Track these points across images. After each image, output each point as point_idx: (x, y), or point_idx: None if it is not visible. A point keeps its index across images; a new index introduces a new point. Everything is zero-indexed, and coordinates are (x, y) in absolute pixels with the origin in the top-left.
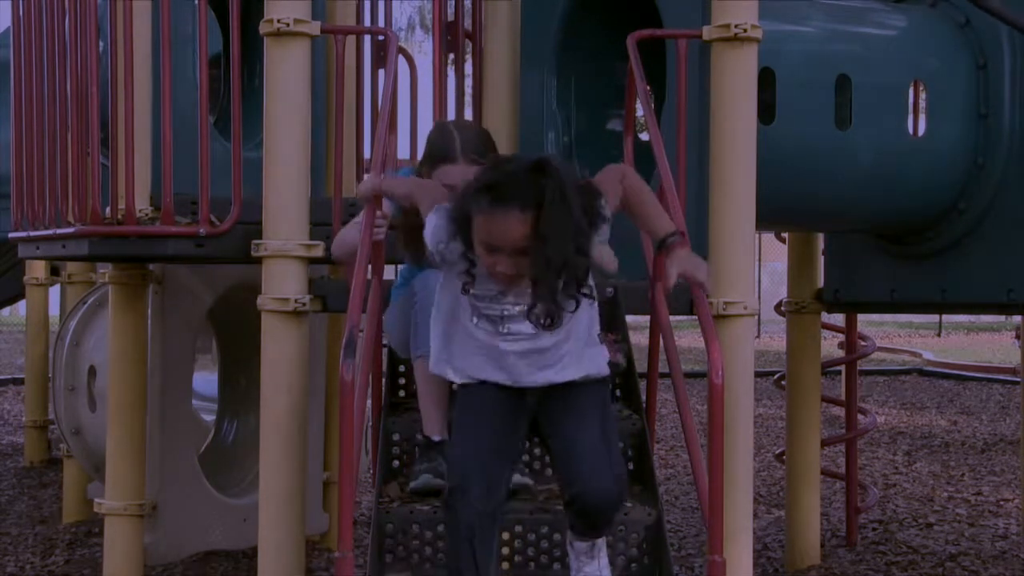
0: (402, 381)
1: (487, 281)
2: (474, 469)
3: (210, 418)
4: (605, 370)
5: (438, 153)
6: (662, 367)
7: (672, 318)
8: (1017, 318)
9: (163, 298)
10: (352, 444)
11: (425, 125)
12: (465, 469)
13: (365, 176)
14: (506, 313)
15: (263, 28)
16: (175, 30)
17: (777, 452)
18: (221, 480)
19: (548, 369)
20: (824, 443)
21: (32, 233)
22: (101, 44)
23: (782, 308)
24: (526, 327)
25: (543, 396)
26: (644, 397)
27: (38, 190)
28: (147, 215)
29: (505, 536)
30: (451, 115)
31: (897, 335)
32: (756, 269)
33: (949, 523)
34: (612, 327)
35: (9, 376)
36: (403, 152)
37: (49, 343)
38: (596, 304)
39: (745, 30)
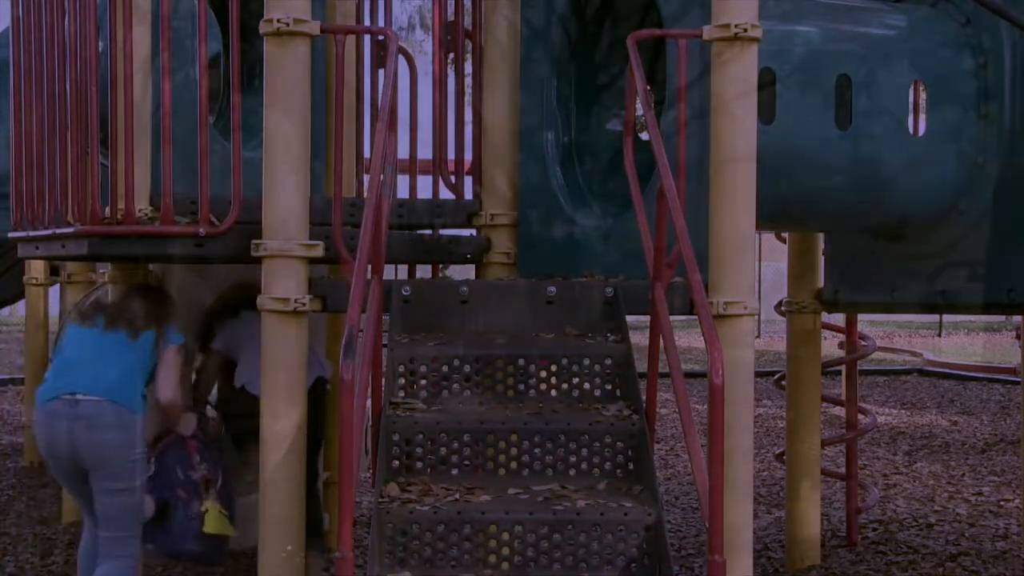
0: (401, 381)
1: None
2: None
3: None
4: None
5: None
6: (662, 367)
7: (672, 318)
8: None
9: None
10: (352, 444)
11: (425, 125)
12: None
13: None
14: None
15: (263, 28)
16: (175, 30)
17: (777, 452)
18: None
19: None
20: (824, 443)
21: (32, 233)
22: (101, 44)
23: (782, 308)
24: None
25: None
26: (644, 397)
27: (38, 190)
28: (147, 215)
29: (505, 536)
30: (451, 115)
31: (897, 335)
32: (756, 269)
33: (949, 523)
34: (612, 327)
35: (9, 376)
36: (403, 152)
37: (49, 343)
38: None
39: (745, 30)
